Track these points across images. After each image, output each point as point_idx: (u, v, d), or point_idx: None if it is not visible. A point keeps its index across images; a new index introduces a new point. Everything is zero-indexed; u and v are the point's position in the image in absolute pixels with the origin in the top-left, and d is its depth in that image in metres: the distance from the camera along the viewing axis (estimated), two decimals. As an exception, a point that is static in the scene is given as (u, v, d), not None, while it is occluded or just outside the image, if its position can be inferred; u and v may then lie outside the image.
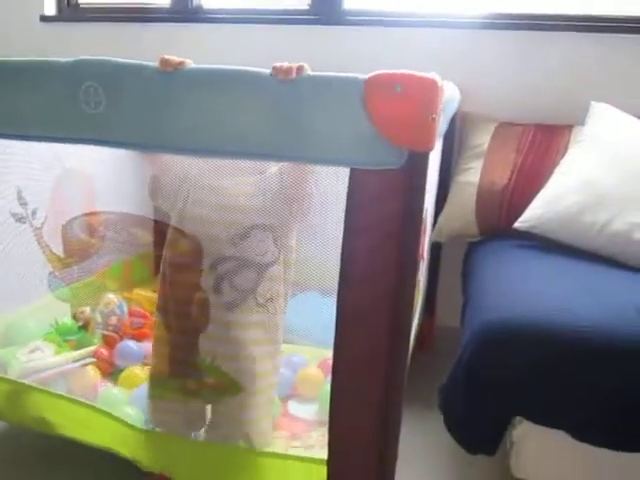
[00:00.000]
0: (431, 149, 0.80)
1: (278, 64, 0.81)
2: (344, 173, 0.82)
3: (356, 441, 0.91)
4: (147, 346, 1.43)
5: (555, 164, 1.55)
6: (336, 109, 0.80)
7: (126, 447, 1.09)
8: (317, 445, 1.16)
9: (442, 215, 1.67)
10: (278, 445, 1.17)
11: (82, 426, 1.14)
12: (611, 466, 1.09)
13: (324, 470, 0.94)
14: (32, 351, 1.34)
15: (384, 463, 0.93)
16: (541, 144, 1.63)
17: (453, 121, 1.66)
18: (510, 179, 1.60)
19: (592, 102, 1.60)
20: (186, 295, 1.05)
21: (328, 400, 0.92)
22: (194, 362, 1.06)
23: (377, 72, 0.78)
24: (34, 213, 1.29)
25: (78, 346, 1.39)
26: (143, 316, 1.55)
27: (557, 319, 1.04)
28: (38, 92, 0.92)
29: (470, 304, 1.26)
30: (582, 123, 1.58)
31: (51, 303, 1.44)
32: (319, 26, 1.95)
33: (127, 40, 2.04)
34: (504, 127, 1.71)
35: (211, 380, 1.05)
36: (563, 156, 1.56)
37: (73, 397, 1.16)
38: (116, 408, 1.17)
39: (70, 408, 1.15)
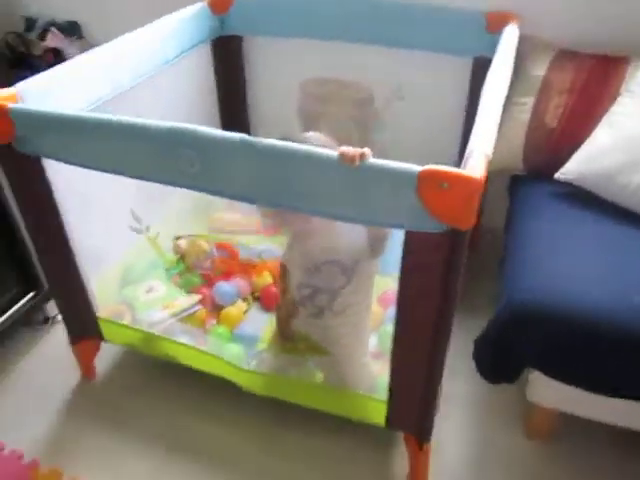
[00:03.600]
0: (469, 228, 0.97)
1: (345, 149, 0.95)
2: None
3: (412, 381, 1.20)
4: (238, 283, 1.70)
5: (605, 110, 1.59)
6: (393, 192, 0.97)
7: (232, 377, 1.44)
8: (377, 374, 1.47)
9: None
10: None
11: (197, 361, 1.48)
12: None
13: (384, 407, 1.29)
14: (148, 291, 1.65)
15: (432, 392, 1.22)
16: (596, 83, 1.64)
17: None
18: (560, 121, 1.66)
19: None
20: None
21: (387, 337, 1.21)
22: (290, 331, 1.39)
23: (427, 167, 0.93)
24: (147, 229, 1.53)
25: (181, 283, 1.69)
26: (230, 250, 1.81)
27: (596, 292, 1.23)
28: (138, 147, 1.11)
29: (509, 274, 1.40)
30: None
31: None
32: None
33: None
34: (561, 57, 1.71)
35: (302, 345, 1.38)
36: (615, 99, 1.59)
37: (188, 345, 1.49)
38: (223, 345, 1.52)
39: (187, 349, 1.50)
